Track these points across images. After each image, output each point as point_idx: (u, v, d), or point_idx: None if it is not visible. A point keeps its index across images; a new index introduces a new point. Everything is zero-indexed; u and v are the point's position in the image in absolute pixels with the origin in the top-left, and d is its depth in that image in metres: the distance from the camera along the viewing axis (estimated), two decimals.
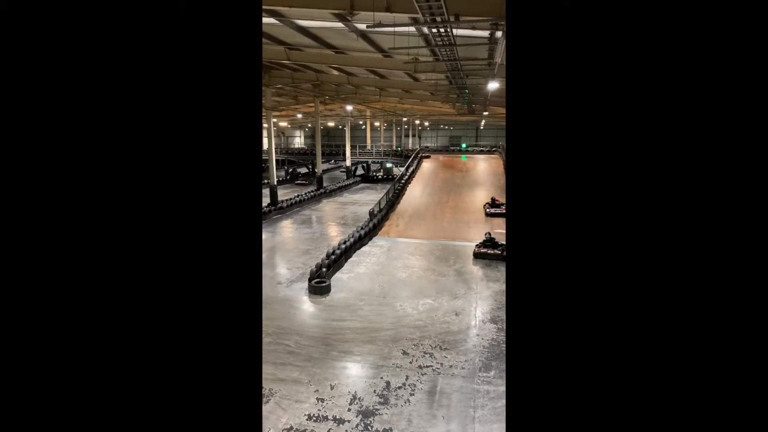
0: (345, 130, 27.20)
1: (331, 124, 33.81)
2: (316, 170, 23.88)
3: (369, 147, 31.35)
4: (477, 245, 10.62)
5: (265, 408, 4.74)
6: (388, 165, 28.17)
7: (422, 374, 5.42)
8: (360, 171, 29.56)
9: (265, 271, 9.77)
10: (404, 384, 5.22)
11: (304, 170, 31.49)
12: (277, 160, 23.32)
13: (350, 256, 10.52)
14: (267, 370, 5.51)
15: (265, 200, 17.68)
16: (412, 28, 7.48)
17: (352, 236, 11.37)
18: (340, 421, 4.54)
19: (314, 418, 4.58)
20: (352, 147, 27.45)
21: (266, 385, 5.16)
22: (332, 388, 5.16)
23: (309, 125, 40.93)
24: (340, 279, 9.07)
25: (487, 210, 14.64)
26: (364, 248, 11.40)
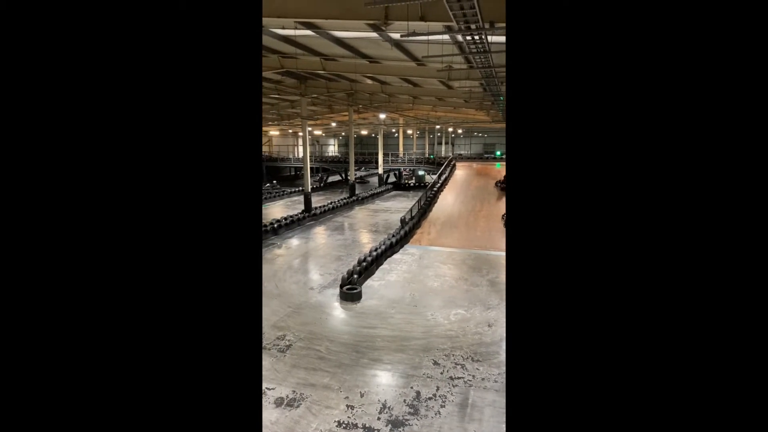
0: (378, 138, 27.46)
1: (364, 132, 34.23)
2: (348, 178, 24.21)
3: (401, 155, 31.45)
4: None
5: (296, 412, 4.79)
6: (421, 172, 28.11)
7: (453, 386, 5.32)
8: (392, 178, 29.68)
9: (298, 277, 9.95)
10: (435, 395, 5.13)
11: (336, 178, 32.01)
12: (312, 168, 23.81)
13: (381, 264, 10.53)
14: (298, 375, 5.59)
15: (300, 207, 18.08)
16: (446, 36, 7.48)
17: (384, 243, 11.39)
18: (369, 430, 4.52)
19: (344, 425, 4.59)
20: (385, 155, 27.64)
21: (297, 390, 5.23)
22: (362, 395, 5.15)
23: (342, 133, 41.62)
24: (371, 286, 9.09)
25: None
26: (395, 256, 11.38)
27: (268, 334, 6.81)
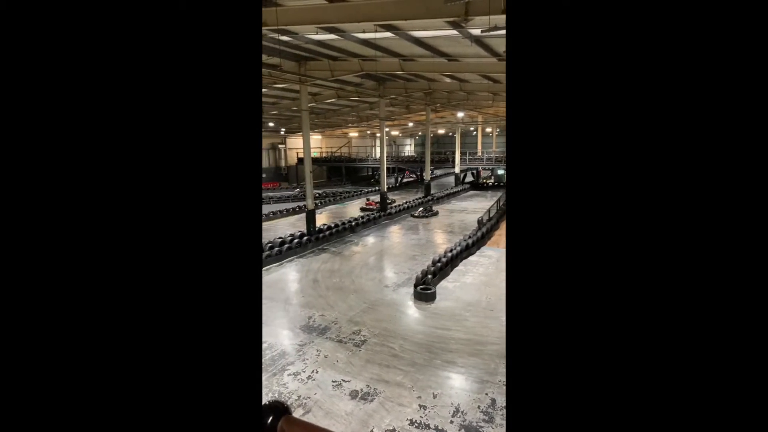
0: (455, 137, 27.00)
1: (441, 131, 33.89)
2: (424, 177, 24.17)
3: (479, 153, 30.60)
4: None
5: (370, 406, 4.93)
6: (500, 171, 27.09)
7: None
8: (469, 178, 29.01)
9: (374, 274, 10.20)
10: None
11: (412, 177, 32.13)
12: (388, 168, 24.26)
13: (456, 265, 10.38)
14: (373, 370, 5.74)
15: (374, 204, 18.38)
16: None
17: (459, 245, 11.22)
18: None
19: (416, 424, 4.61)
20: (462, 153, 27.10)
21: (371, 385, 5.37)
22: (435, 396, 5.13)
23: (419, 133, 41.67)
24: (446, 287, 9.01)
25: None
26: (471, 258, 11.16)
27: (345, 328, 7.09)
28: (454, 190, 24.15)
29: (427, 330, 7.08)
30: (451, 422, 4.64)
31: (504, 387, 5.30)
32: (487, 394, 5.16)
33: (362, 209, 18.93)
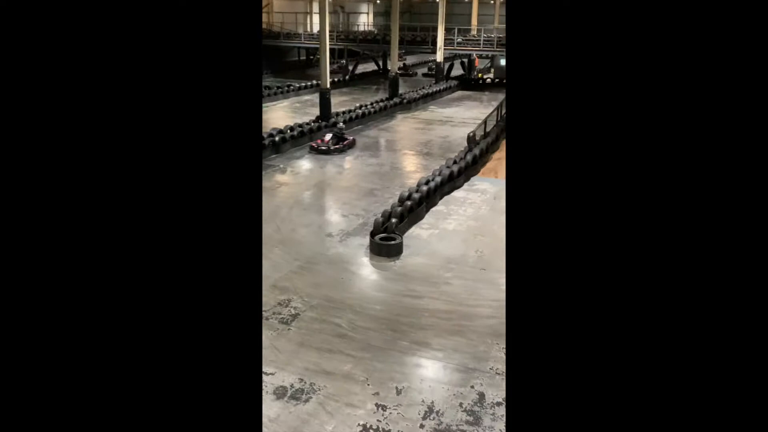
0: (437, 3, 26.20)
1: None
2: (389, 68, 23.61)
3: (474, 32, 30.10)
4: None
5: (304, 408, 5.14)
6: (503, 62, 26.98)
7: None
8: (458, 70, 28.74)
9: (311, 217, 10.24)
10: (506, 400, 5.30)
11: (370, 67, 31.45)
12: (332, 51, 23.47)
13: (434, 204, 10.59)
14: (308, 357, 5.91)
15: (313, 111, 18.10)
16: None
17: (439, 174, 11.34)
18: None
19: (372, 431, 4.88)
20: (448, 32, 26.51)
21: (306, 378, 5.57)
22: (399, 392, 5.41)
23: None
24: (418, 236, 9.23)
25: None
26: (456, 193, 11.38)
27: (267, 297, 7.16)
28: (435, 89, 23.94)
29: (389, 299, 7.31)
30: (422, 426, 4.95)
31: (497, 377, 5.68)
32: (473, 386, 5.50)
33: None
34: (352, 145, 15.37)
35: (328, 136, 14.96)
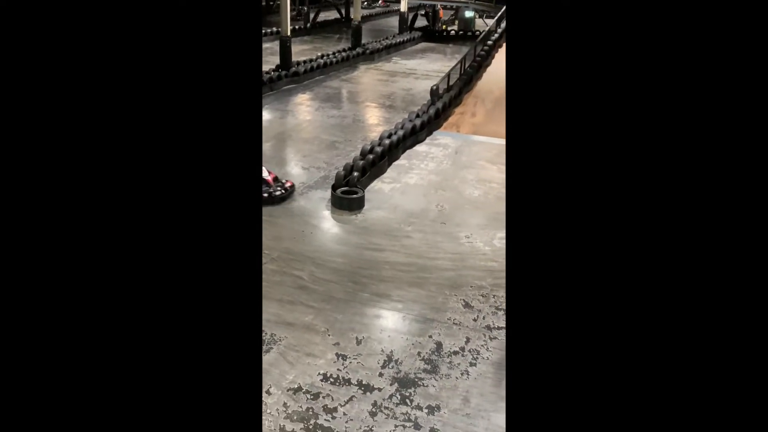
0: None
1: None
2: (352, 17, 23.04)
3: None
4: None
5: (265, 358, 5.21)
6: (468, 14, 26.68)
7: (491, 338, 5.67)
8: (421, 22, 28.29)
9: (272, 169, 10.08)
10: (463, 349, 5.50)
11: (332, 15, 30.64)
12: None
13: (397, 158, 10.59)
14: (269, 309, 5.95)
15: (272, 60, 17.62)
16: None
17: (402, 127, 11.30)
18: (367, 388, 4.94)
19: (332, 380, 5.01)
20: None
21: (268, 329, 5.62)
22: (359, 342, 5.54)
23: None
24: (380, 190, 9.26)
25: None
26: (418, 147, 11.38)
27: None
28: (398, 39, 23.55)
29: (350, 251, 7.39)
30: (381, 375, 5.10)
31: (454, 327, 5.86)
32: (430, 336, 5.67)
33: None
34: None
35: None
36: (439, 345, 5.55)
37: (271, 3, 31.92)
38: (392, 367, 5.22)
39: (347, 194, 8.51)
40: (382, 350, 5.43)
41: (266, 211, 8.29)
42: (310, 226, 8.09)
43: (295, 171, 10.20)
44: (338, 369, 5.16)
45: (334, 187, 8.68)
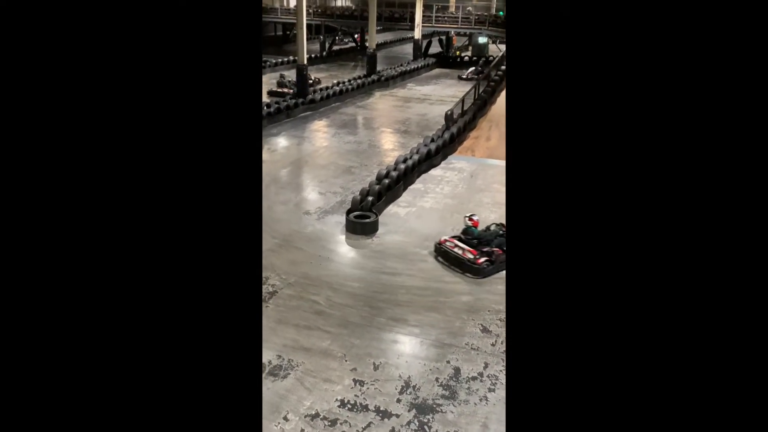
0: None
1: None
2: (366, 45, 23.38)
3: (453, 10, 29.93)
4: None
5: (282, 384, 5.18)
6: (482, 40, 26.94)
7: None
8: (435, 48, 28.60)
9: (287, 195, 10.18)
10: (481, 374, 5.42)
11: (348, 44, 31.11)
12: (309, 26, 23.13)
13: (412, 182, 10.63)
14: (287, 334, 5.95)
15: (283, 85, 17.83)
16: None
17: (417, 152, 11.36)
18: (385, 414, 4.87)
19: (349, 406, 4.95)
20: (426, 9, 26.32)
21: (285, 355, 5.60)
22: (376, 368, 5.49)
23: None
24: (396, 214, 9.27)
25: None
26: (433, 171, 11.42)
27: None
28: (413, 66, 23.86)
29: (366, 276, 7.36)
30: (398, 401, 5.04)
31: (472, 352, 5.78)
32: (448, 361, 5.60)
33: (271, 93, 18.30)
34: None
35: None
36: (457, 370, 5.48)
37: (288, 33, 32.57)
38: (410, 392, 5.15)
39: (360, 218, 8.54)
40: (400, 376, 5.38)
41: (282, 235, 8.35)
42: (326, 250, 8.09)
43: (311, 196, 10.27)
44: (356, 395, 5.11)
45: (348, 212, 8.71)
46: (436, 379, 5.33)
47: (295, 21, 18.54)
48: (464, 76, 22.78)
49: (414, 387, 5.22)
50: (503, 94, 16.58)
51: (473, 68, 23.57)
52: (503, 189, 10.44)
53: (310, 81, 19.19)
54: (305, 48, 17.12)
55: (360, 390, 5.17)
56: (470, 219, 7.97)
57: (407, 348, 5.87)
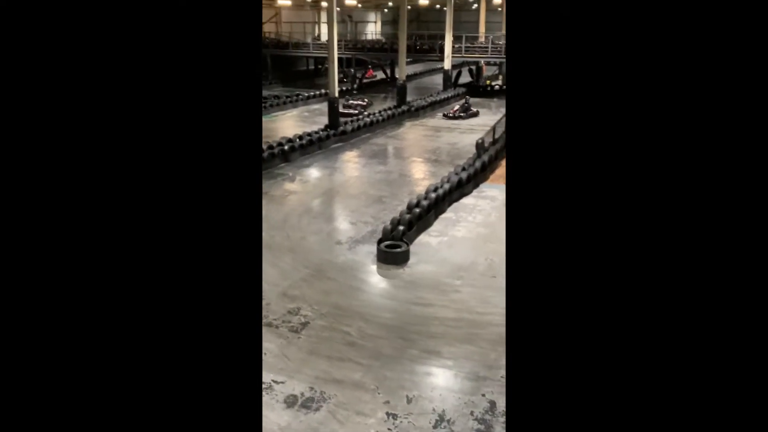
0: (445, 12, 26.30)
1: (423, 1, 32.91)
2: (397, 76, 23.67)
3: (482, 39, 30.16)
4: None
5: (315, 417, 5.13)
6: None
7: None
8: (465, 77, 28.80)
9: (319, 225, 10.24)
10: None
11: (378, 76, 31.58)
12: (340, 60, 23.58)
13: (443, 211, 10.59)
14: (318, 366, 5.91)
15: (322, 120, 18.18)
16: None
17: (448, 181, 11.35)
18: None
19: None
20: (456, 39, 26.59)
21: (317, 386, 5.56)
22: (410, 401, 5.39)
23: (389, 3, 40.25)
24: (427, 244, 9.22)
25: None
26: (465, 200, 11.38)
27: (276, 305, 7.17)
28: (442, 96, 23.99)
29: (398, 306, 7.29)
30: None
31: None
32: (483, 395, 5.47)
33: (342, 115, 18.77)
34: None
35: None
36: (492, 404, 5.34)
37: (320, 67, 33.24)
38: (444, 426, 5.04)
39: (391, 248, 8.52)
40: (434, 409, 5.27)
41: (315, 265, 8.38)
42: (358, 280, 8.08)
43: (343, 226, 10.31)
44: (389, 428, 5.02)
45: (379, 241, 8.70)
46: (471, 413, 5.20)
47: (326, 55, 18.91)
48: (450, 114, 20.92)
49: (449, 421, 5.10)
50: None
51: (460, 104, 21.81)
52: None
53: (363, 104, 22.13)
54: (336, 81, 17.42)
55: (393, 423, 5.08)
56: None
57: (441, 381, 5.76)
